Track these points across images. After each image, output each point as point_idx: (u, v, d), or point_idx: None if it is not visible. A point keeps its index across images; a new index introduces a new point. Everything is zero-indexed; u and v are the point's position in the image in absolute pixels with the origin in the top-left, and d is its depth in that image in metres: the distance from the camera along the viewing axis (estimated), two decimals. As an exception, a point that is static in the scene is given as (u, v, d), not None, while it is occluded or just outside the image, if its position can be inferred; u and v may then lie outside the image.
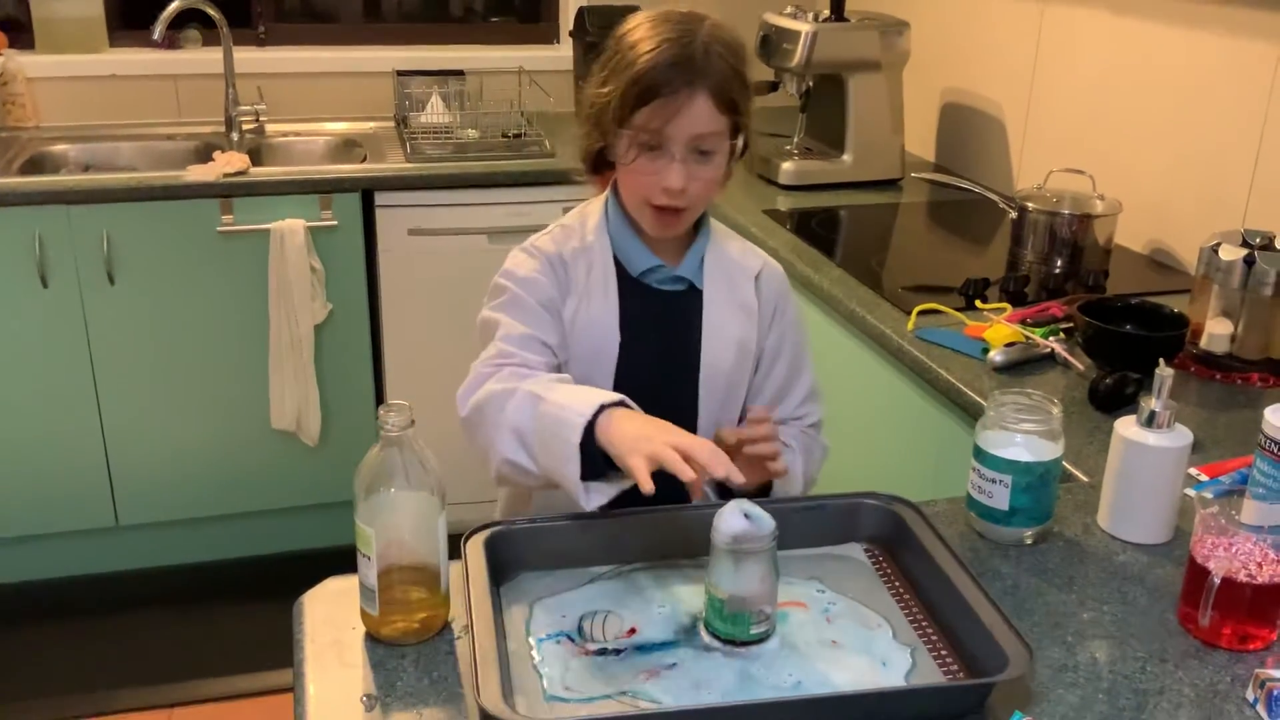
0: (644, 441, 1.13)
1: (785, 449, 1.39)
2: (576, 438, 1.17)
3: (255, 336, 2.71)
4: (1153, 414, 1.22)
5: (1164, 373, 1.21)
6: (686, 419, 1.41)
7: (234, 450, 2.81)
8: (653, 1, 3.56)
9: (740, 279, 1.45)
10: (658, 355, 1.42)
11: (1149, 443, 1.22)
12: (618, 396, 1.22)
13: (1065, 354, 1.70)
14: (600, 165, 1.41)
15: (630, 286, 1.40)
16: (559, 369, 1.38)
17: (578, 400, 1.21)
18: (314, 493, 2.89)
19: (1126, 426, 1.25)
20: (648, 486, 1.11)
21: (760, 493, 1.36)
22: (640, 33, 1.32)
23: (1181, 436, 1.23)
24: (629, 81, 1.29)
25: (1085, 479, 1.39)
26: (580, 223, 1.43)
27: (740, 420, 1.46)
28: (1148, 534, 1.26)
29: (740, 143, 1.35)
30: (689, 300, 1.43)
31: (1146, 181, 2.21)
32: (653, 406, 1.24)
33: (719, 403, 1.43)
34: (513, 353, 1.33)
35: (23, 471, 2.70)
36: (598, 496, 1.18)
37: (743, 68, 1.34)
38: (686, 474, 1.10)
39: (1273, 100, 1.92)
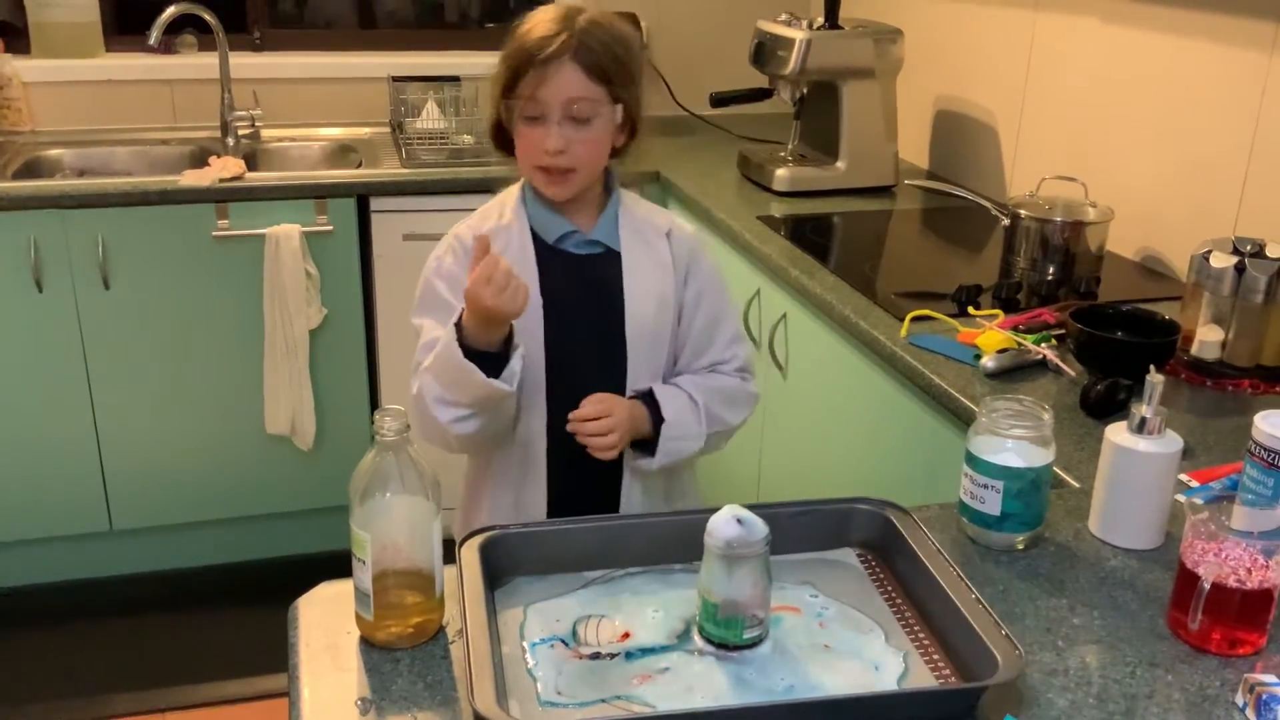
0: (481, 314, 1.37)
1: (678, 407, 1.53)
2: (460, 356, 1.39)
3: (250, 341, 2.71)
4: (1143, 420, 1.23)
5: (1155, 379, 1.22)
6: (617, 372, 1.54)
7: (228, 455, 2.81)
8: (650, 5, 3.53)
9: (653, 237, 1.57)
10: (584, 317, 1.53)
11: (1140, 449, 1.23)
12: (457, 311, 1.42)
13: (1057, 360, 1.71)
14: (505, 143, 1.54)
15: (550, 256, 1.53)
16: None
17: (442, 341, 1.43)
18: (308, 498, 2.89)
19: (1117, 432, 1.25)
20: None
21: (647, 443, 1.52)
22: (532, 19, 1.47)
23: (1172, 442, 1.24)
24: (510, 54, 1.46)
25: (1076, 484, 1.40)
26: (499, 205, 1.57)
27: (670, 368, 1.58)
28: (1138, 539, 1.27)
29: (619, 112, 1.48)
30: (607, 262, 1.54)
31: (1138, 189, 2.22)
32: (584, 364, 1.50)
33: (645, 355, 1.55)
34: None
35: (17, 476, 2.69)
36: (510, 377, 1.41)
37: (620, 50, 1.47)
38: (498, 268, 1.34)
39: (1263, 108, 1.93)
